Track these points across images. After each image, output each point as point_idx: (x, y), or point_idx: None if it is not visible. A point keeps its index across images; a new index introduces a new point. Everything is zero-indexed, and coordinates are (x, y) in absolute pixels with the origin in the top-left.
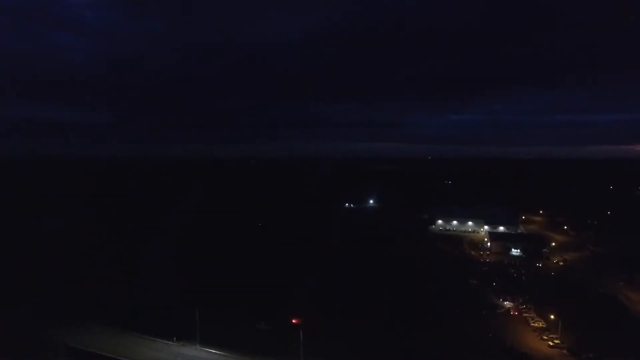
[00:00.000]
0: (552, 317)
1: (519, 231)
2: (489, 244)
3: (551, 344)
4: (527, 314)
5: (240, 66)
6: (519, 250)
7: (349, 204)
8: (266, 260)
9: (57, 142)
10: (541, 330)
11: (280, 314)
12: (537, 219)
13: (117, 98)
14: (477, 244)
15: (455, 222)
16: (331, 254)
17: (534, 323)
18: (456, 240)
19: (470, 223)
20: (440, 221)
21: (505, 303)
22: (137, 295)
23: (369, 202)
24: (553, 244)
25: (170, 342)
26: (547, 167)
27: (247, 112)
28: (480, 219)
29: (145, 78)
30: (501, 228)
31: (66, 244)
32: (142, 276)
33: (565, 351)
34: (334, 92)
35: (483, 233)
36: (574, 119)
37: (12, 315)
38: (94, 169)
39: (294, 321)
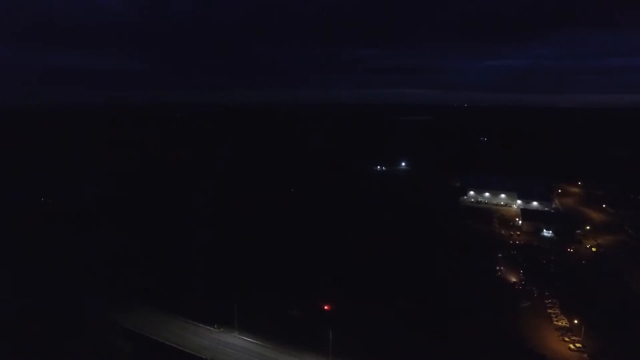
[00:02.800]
0: (577, 315)
1: (553, 206)
2: (520, 222)
3: (572, 347)
4: (551, 310)
5: (263, 10)
6: (550, 232)
7: (380, 165)
8: (294, 235)
9: (89, 89)
10: (564, 331)
11: (311, 298)
12: (575, 190)
13: (147, 45)
14: (509, 221)
15: (487, 194)
16: (360, 230)
17: (557, 321)
18: (487, 215)
19: (502, 196)
20: (472, 192)
21: (529, 295)
22: (175, 272)
23: (400, 164)
24: (588, 224)
25: (211, 329)
26: (596, 117)
27: (270, 58)
28: (513, 192)
29: (172, 24)
30: (534, 203)
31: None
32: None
33: (586, 356)
34: (363, 35)
35: (515, 208)
36: (630, 62)
37: (65, 292)
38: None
39: (325, 307)
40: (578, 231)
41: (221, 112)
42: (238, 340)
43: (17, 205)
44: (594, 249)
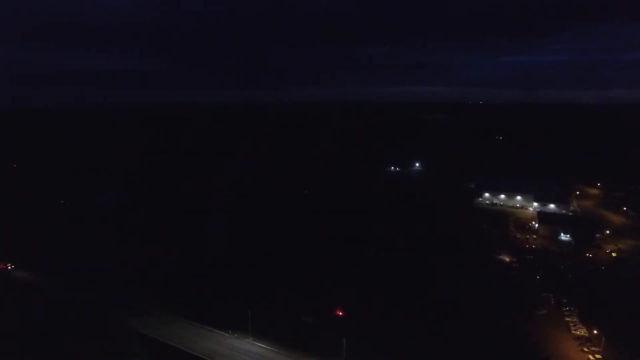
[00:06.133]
0: (596, 325)
1: (571, 208)
2: (536, 225)
3: (591, 358)
4: (569, 319)
5: (272, 8)
6: (568, 236)
7: (393, 166)
8: (306, 239)
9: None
10: (582, 340)
11: (324, 303)
12: (593, 192)
13: (162, 45)
14: (524, 224)
15: (502, 196)
16: (373, 234)
17: (575, 330)
18: (502, 217)
19: (518, 198)
20: (486, 194)
21: (546, 303)
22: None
23: (413, 165)
24: (607, 228)
25: (226, 334)
26: (616, 113)
27: (280, 57)
28: (529, 194)
29: (185, 24)
30: (551, 205)
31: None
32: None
33: None
34: (374, 32)
35: (532, 210)
36: None
37: (80, 295)
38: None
39: (338, 313)
40: (597, 235)
41: (233, 112)
42: (252, 347)
43: (31, 208)
44: (614, 254)
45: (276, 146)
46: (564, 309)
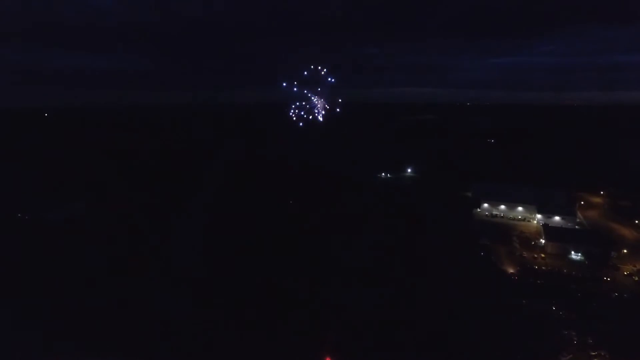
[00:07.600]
0: None
1: (577, 220)
2: (543, 241)
3: None
4: None
5: (264, 9)
6: (580, 254)
7: (384, 173)
8: (284, 264)
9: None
10: None
11: (306, 347)
12: (596, 200)
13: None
14: (529, 240)
15: (502, 207)
16: (365, 257)
17: None
18: (505, 232)
19: (520, 209)
20: (486, 205)
21: (569, 342)
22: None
23: (405, 171)
24: (620, 244)
25: None
26: (608, 115)
27: (273, 56)
28: (532, 204)
29: (176, 23)
30: (556, 218)
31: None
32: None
33: None
34: (364, 34)
35: (535, 223)
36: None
37: None
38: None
39: None
40: (612, 254)
41: (230, 112)
42: None
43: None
44: (635, 278)
45: (260, 151)
46: (592, 353)
